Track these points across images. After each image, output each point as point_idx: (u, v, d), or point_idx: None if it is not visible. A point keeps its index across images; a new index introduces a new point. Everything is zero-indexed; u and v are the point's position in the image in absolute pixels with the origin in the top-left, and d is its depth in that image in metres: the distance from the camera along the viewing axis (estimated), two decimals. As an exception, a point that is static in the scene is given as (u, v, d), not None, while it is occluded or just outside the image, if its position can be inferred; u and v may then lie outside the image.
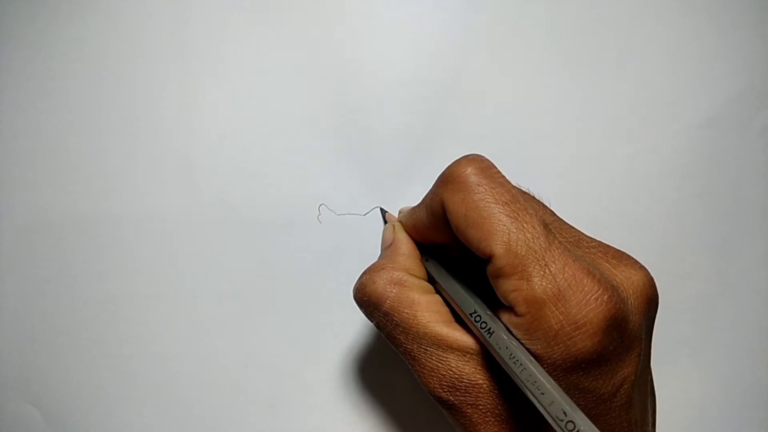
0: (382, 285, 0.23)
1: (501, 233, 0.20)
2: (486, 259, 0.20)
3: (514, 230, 0.20)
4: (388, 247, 0.26)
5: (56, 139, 0.32)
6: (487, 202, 0.20)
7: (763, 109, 0.33)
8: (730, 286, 0.33)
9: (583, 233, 0.23)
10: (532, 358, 0.19)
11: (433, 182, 0.23)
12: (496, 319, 0.21)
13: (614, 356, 0.19)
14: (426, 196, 0.24)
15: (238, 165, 0.31)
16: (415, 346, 0.22)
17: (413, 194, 0.31)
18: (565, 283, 0.19)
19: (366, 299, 0.24)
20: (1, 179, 0.32)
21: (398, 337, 0.22)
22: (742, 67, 0.33)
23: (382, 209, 0.31)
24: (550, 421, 0.18)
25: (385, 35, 0.32)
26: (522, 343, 0.19)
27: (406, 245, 0.25)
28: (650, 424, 0.22)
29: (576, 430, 0.17)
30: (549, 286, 0.19)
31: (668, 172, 0.32)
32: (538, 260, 0.19)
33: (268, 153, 0.31)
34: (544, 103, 0.32)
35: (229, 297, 0.32)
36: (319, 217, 0.31)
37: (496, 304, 0.21)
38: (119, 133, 0.32)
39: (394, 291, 0.23)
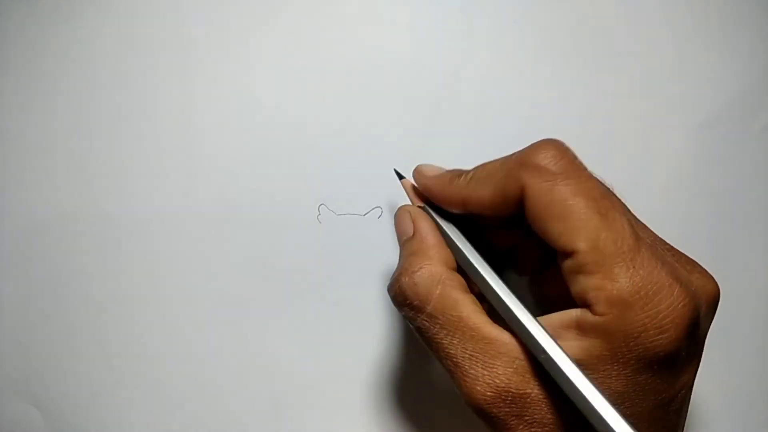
0: (424, 286, 0.22)
1: (589, 229, 0.19)
2: (563, 253, 0.20)
3: (603, 228, 0.19)
4: (410, 239, 0.24)
5: (56, 139, 0.32)
6: (576, 194, 0.19)
7: (763, 110, 0.33)
8: (730, 286, 0.33)
9: (657, 236, 0.22)
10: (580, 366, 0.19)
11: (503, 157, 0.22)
12: (540, 323, 0.20)
13: (683, 361, 0.19)
14: (495, 172, 0.22)
15: (238, 165, 0.31)
16: (458, 351, 0.21)
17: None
18: (654, 287, 0.18)
19: (408, 302, 0.22)
20: (1, 179, 0.32)
21: (441, 341, 0.21)
22: (742, 67, 0.33)
23: (396, 171, 0.28)
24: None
25: (385, 35, 0.32)
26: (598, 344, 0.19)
27: (433, 235, 0.23)
28: (682, 428, 0.22)
29: None
30: (636, 288, 0.18)
31: (668, 173, 0.32)
32: (626, 261, 0.19)
33: (268, 153, 0.31)
34: (544, 103, 0.32)
35: (228, 297, 0.32)
36: (319, 217, 0.31)
37: (546, 301, 0.21)
38: (119, 133, 0.32)
39: (437, 292, 0.21)
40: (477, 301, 0.22)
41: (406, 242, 0.24)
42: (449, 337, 0.21)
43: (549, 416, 0.20)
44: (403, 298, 0.22)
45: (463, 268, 0.23)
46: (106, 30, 0.31)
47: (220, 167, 0.31)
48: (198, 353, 0.32)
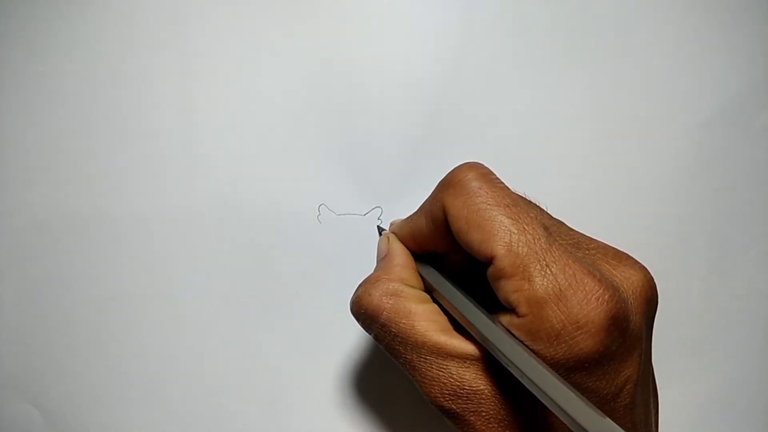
0: (378, 297, 0.23)
1: (503, 234, 0.20)
2: (486, 263, 0.20)
3: (516, 231, 0.20)
4: (383, 259, 0.26)
5: (56, 139, 0.32)
6: (489, 204, 0.21)
7: (764, 109, 0.33)
8: (730, 286, 0.33)
9: (582, 234, 0.23)
10: (538, 358, 0.19)
11: (433, 187, 0.23)
12: (498, 322, 0.21)
13: (616, 356, 0.19)
14: (425, 202, 0.24)
15: (238, 165, 0.31)
16: (414, 356, 0.22)
17: (412, 194, 0.31)
18: (566, 283, 0.19)
19: (363, 312, 0.24)
20: (2, 179, 0.32)
21: (397, 348, 0.23)
22: (743, 66, 0.33)
23: (379, 227, 0.31)
24: (564, 419, 0.18)
25: (385, 36, 0.32)
26: (525, 345, 0.19)
27: (401, 255, 0.25)
28: (653, 425, 0.22)
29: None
30: (550, 285, 0.19)
31: (669, 172, 0.32)
32: (539, 261, 0.19)
33: (268, 153, 0.31)
34: (544, 104, 0.32)
35: (228, 297, 0.32)
36: (319, 217, 0.31)
37: (496, 310, 0.21)
38: (119, 133, 0.32)
39: (390, 302, 0.23)
40: (438, 311, 0.23)
41: (379, 262, 0.26)
42: (403, 345, 0.22)
43: (503, 412, 0.21)
44: (358, 307, 0.24)
45: (430, 290, 0.25)
46: (106, 30, 0.32)
47: (220, 167, 0.31)
48: (198, 353, 0.32)
